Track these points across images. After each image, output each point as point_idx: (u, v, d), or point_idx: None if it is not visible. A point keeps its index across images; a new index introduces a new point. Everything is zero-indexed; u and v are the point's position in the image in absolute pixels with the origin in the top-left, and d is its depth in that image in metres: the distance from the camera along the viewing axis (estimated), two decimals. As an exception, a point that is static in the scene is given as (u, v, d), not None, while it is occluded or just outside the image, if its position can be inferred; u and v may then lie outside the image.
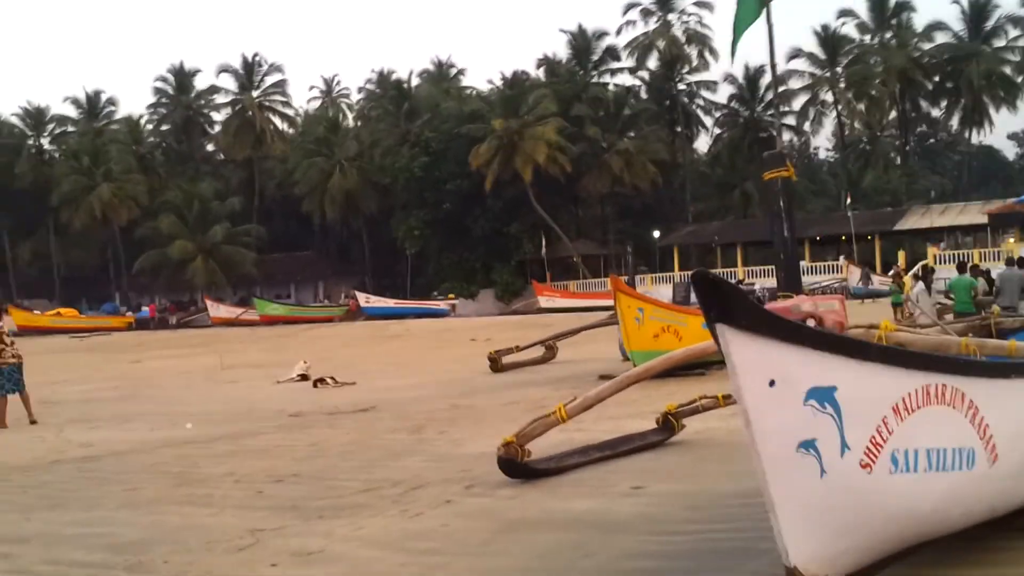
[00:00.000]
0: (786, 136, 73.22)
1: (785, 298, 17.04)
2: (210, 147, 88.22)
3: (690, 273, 21.20)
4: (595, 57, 76.75)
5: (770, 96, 73.42)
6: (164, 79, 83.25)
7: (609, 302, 25.64)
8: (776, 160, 20.88)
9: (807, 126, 79.57)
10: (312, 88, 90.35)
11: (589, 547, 6.90)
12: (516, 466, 9.22)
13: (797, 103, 76.54)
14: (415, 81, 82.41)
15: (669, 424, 10.81)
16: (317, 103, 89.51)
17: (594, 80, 76.32)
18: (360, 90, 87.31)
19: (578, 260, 69.07)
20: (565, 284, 65.39)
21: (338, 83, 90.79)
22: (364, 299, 62.43)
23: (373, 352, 32.34)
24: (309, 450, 12.15)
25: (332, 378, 20.79)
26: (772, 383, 4.05)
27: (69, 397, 19.51)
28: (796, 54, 75.15)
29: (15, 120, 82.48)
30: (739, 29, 20.48)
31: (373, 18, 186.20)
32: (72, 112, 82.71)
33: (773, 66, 23.31)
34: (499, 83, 75.24)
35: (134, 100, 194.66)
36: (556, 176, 66.51)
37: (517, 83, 73.06)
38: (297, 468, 10.76)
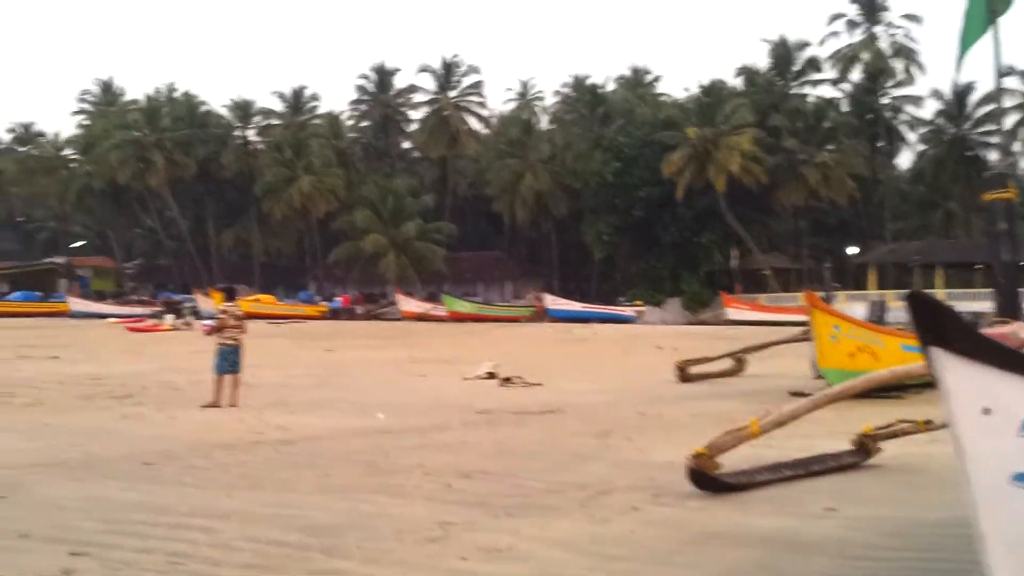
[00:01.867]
0: (996, 156, 70.09)
1: (1002, 324, 16.31)
2: (406, 144, 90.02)
3: (903, 293, 20.43)
4: (796, 67, 75.17)
5: (979, 114, 70.66)
6: (366, 77, 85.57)
7: (800, 317, 25.08)
8: (997, 180, 20.05)
9: (1018, 146, 76.01)
10: (508, 90, 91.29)
11: (778, 567, 6.76)
12: (706, 478, 9.12)
13: (1008, 122, 73.15)
14: (610, 86, 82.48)
15: (865, 446, 10.53)
16: (512, 105, 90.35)
17: (793, 91, 74.78)
18: (555, 93, 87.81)
19: (769, 273, 67.80)
20: (755, 297, 64.25)
21: (534, 86, 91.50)
22: (551, 301, 62.68)
23: (558, 354, 32.41)
24: (496, 447, 12.26)
25: (519, 378, 20.92)
26: (987, 411, 3.89)
27: (267, 381, 20.15)
28: (1008, 72, 71.92)
29: (224, 112, 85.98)
30: (966, 44, 19.80)
31: (571, 23, 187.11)
32: (277, 106, 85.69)
33: (999, 84, 22.43)
34: (695, 90, 74.47)
35: (336, 96, 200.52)
36: (750, 187, 65.54)
37: (714, 91, 72.17)
38: (484, 464, 10.88)
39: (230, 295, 18.44)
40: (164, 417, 15.36)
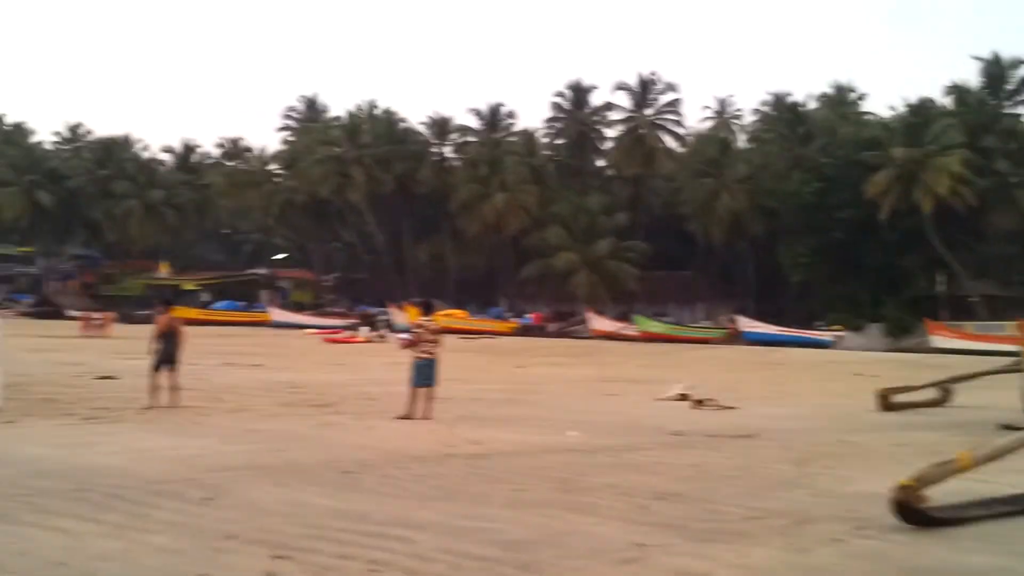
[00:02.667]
0: None
1: None
2: (600, 162, 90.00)
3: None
4: (1010, 86, 71.82)
5: None
6: (562, 94, 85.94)
7: (1012, 347, 23.85)
8: None
9: None
10: (705, 108, 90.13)
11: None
12: (912, 511, 8.70)
13: None
14: (811, 104, 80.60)
15: (1088, 485, 9.87)
16: (709, 123, 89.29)
17: (1007, 111, 71.47)
18: (753, 112, 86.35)
19: (977, 300, 64.88)
20: (961, 324, 61.56)
21: (731, 104, 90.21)
22: (745, 323, 61.62)
23: (752, 378, 31.77)
24: (691, 471, 12.02)
25: (712, 400, 20.56)
26: None
27: (459, 395, 20.33)
28: None
29: (422, 128, 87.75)
30: None
31: (771, 39, 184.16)
32: (474, 123, 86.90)
33: None
34: (901, 109, 72.00)
35: (532, 114, 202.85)
36: (957, 209, 62.93)
37: (921, 110, 69.67)
38: (679, 488, 10.67)
39: (427, 309, 18.68)
40: (362, 427, 15.67)
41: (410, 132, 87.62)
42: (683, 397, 21.53)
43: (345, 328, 58.29)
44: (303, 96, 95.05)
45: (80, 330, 49.60)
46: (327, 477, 10.94)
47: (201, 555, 7.46)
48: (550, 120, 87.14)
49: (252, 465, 11.62)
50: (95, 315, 52.96)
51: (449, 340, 21.23)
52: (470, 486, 10.65)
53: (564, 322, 70.71)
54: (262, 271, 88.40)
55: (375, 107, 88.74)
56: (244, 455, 12.40)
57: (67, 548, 7.58)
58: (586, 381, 27.70)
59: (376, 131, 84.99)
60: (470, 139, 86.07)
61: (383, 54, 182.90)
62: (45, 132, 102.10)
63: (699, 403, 20.49)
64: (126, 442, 13.39)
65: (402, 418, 16.65)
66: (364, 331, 53.58)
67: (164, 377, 17.63)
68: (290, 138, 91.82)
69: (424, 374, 16.89)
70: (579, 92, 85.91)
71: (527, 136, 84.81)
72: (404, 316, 53.57)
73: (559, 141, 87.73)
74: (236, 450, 12.83)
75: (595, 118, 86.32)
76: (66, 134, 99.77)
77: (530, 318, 71.57)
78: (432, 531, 8.31)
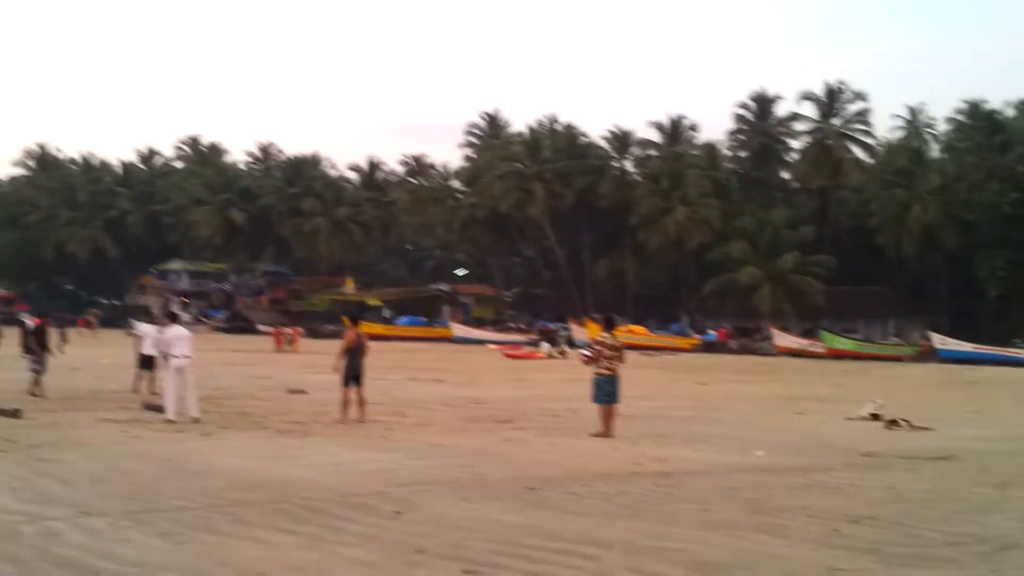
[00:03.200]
0: None
1: None
2: (785, 174, 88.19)
3: None
4: None
5: None
6: (745, 106, 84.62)
7: None
8: None
9: None
10: (895, 117, 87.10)
11: None
12: None
13: None
14: (1010, 112, 77.15)
15: None
16: (900, 133, 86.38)
17: None
18: (947, 120, 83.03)
19: None
20: None
21: (924, 113, 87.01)
22: (939, 341, 59.37)
23: (947, 397, 30.58)
24: (886, 494, 11.61)
25: (906, 420, 19.83)
26: None
27: (642, 412, 20.17)
28: None
29: (602, 143, 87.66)
30: None
31: (964, 47, 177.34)
32: (655, 136, 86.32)
33: None
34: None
35: (714, 126, 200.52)
36: None
37: None
38: (874, 511, 10.32)
39: (609, 325, 18.57)
40: (545, 443, 15.68)
41: (591, 146, 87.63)
42: (875, 417, 20.82)
43: (525, 344, 58.67)
44: (485, 113, 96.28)
45: (272, 345, 51.27)
46: (513, 493, 10.99)
47: (394, 568, 7.58)
48: (733, 132, 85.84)
49: (439, 480, 11.77)
50: (286, 330, 54.67)
51: (630, 356, 21.05)
52: (656, 505, 10.53)
53: (748, 338, 69.46)
54: (444, 287, 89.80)
55: (555, 122, 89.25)
56: (431, 470, 12.56)
57: (265, 559, 7.81)
58: (772, 399, 27.12)
59: (556, 146, 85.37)
60: (651, 152, 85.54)
61: (564, 69, 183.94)
62: (238, 152, 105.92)
63: (892, 423, 19.77)
64: (318, 455, 13.74)
65: (598, 436, 16.55)
66: (544, 347, 53.78)
67: (353, 392, 18.03)
68: (472, 154, 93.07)
69: (605, 390, 16.82)
70: (763, 103, 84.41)
71: (709, 148, 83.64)
72: (584, 331, 53.50)
73: (742, 153, 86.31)
74: (423, 465, 13.01)
75: (780, 129, 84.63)
76: (258, 154, 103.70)
77: (714, 334, 70.45)
78: (619, 550, 8.25)
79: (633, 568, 7.63)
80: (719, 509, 10.35)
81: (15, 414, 17.24)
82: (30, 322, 38.01)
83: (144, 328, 20.15)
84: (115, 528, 8.76)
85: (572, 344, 55.62)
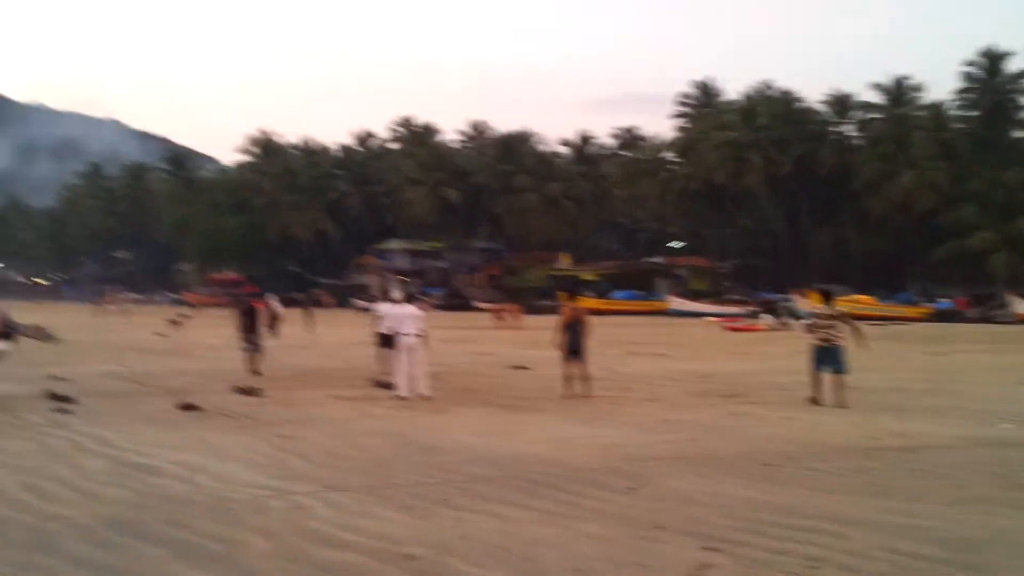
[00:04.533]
0: None
1: None
2: (1018, 133, 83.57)
3: None
4: None
5: None
6: (973, 63, 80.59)
7: None
8: None
9: None
10: None
11: None
12: None
13: None
14: None
15: None
16: None
17: None
18: None
19: None
20: None
21: None
22: None
23: None
24: None
25: None
26: None
27: (875, 384, 19.43)
28: None
29: (820, 107, 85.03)
30: None
31: None
32: (876, 98, 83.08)
33: None
34: None
35: (940, 86, 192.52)
36: None
37: None
38: None
39: (826, 296, 18.09)
40: (776, 417, 15.30)
41: (808, 112, 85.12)
42: None
43: (745, 316, 57.64)
44: (697, 82, 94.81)
45: (493, 321, 51.96)
46: (747, 468, 10.74)
47: (632, 544, 7.50)
48: (961, 91, 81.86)
49: (671, 455, 11.62)
50: (507, 306, 55.29)
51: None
52: (901, 481, 10.12)
53: (984, 306, 66.11)
54: (658, 260, 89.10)
55: (770, 88, 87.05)
56: (661, 445, 12.42)
57: (504, 533, 7.86)
58: (1014, 369, 25.70)
59: (772, 112, 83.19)
60: (873, 115, 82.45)
61: (778, 34, 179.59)
62: (451, 132, 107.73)
63: None
64: (545, 430, 13.79)
65: (810, 400, 16.52)
66: (765, 319, 52.72)
67: (574, 367, 18.04)
68: (684, 125, 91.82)
69: (825, 360, 16.60)
70: (993, 59, 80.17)
71: (936, 109, 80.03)
72: (806, 302, 52.08)
73: (971, 113, 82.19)
74: (653, 440, 12.88)
75: (1011, 86, 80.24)
76: (470, 132, 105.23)
77: (947, 302, 67.34)
78: (866, 528, 7.95)
79: (884, 547, 7.34)
80: (968, 485, 9.88)
81: (253, 392, 17.98)
82: (275, 303, 39.90)
83: (382, 307, 20.62)
84: (358, 503, 8.99)
85: (794, 315, 54.25)
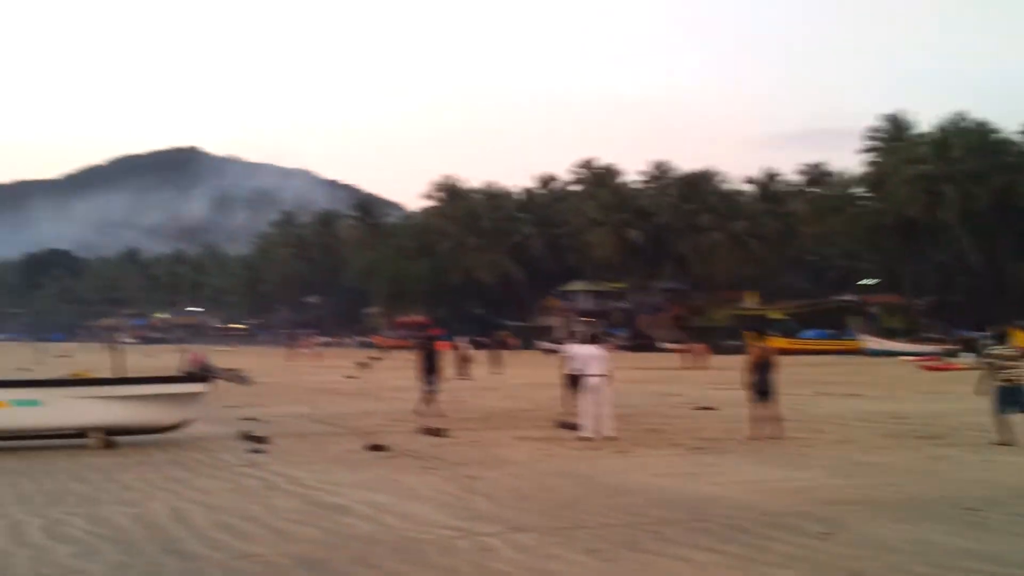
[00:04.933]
0: None
1: None
2: None
3: None
4: None
5: None
6: None
7: None
8: None
9: None
10: None
11: None
12: None
13: None
14: None
15: None
16: None
17: None
18: None
19: None
20: None
21: None
22: None
23: None
24: None
25: None
26: None
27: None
28: None
29: (1019, 138, 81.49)
30: None
31: None
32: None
33: None
34: None
35: None
36: None
37: None
38: None
39: (999, 338, 17.42)
40: (977, 460, 14.58)
41: (1006, 143, 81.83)
42: None
43: (943, 354, 55.45)
44: (886, 114, 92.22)
45: (680, 362, 51.37)
46: (949, 514, 10.24)
47: (829, 593, 7.18)
48: None
49: (866, 499, 11.16)
50: (694, 346, 54.58)
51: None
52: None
53: None
54: (849, 297, 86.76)
55: (964, 119, 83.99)
56: (856, 489, 11.95)
57: (694, 579, 7.64)
58: None
59: (967, 144, 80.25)
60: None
61: (970, 63, 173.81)
62: (632, 173, 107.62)
63: None
64: (734, 473, 13.46)
65: (1000, 444, 15.92)
66: (965, 357, 50.59)
67: (763, 408, 17.60)
68: (875, 159, 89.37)
69: (1012, 400, 16.12)
70: None
71: None
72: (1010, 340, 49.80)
73: None
74: (846, 483, 12.41)
75: None
76: (652, 172, 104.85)
77: None
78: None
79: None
80: None
81: (440, 433, 18.14)
82: (465, 346, 40.55)
83: (571, 348, 20.58)
84: (544, 544, 8.90)
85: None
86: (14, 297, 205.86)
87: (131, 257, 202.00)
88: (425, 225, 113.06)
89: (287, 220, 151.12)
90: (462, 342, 42.40)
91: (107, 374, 18.85)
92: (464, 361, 39.52)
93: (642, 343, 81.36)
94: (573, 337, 23.48)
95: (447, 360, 25.25)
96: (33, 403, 16.35)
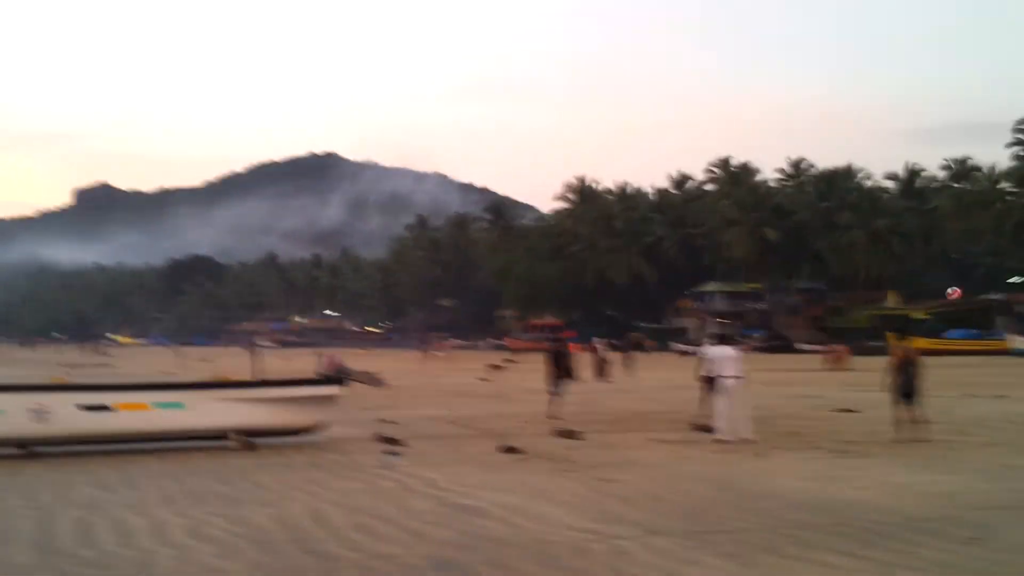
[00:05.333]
0: None
1: None
2: None
3: None
4: None
5: None
6: None
7: None
8: None
9: None
10: None
11: None
12: None
13: None
14: None
15: None
16: None
17: None
18: None
19: None
20: None
21: None
22: None
23: None
24: None
25: None
26: None
27: None
28: None
29: None
30: None
31: None
32: None
33: None
34: None
35: None
36: None
37: None
38: None
39: None
40: None
41: None
42: None
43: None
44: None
45: (823, 363, 50.33)
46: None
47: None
48: None
49: (1017, 504, 10.80)
50: (836, 347, 53.41)
51: None
52: None
53: None
54: (997, 296, 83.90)
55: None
56: (1006, 493, 11.54)
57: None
58: None
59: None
60: None
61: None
62: (769, 171, 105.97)
63: None
64: (876, 476, 13.07)
65: None
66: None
67: (907, 410, 17.08)
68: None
69: None
70: None
71: None
72: None
73: None
74: (996, 487, 11.97)
75: None
76: (789, 170, 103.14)
77: None
78: None
79: None
80: None
81: (574, 435, 18.05)
82: (602, 348, 40.41)
83: (709, 351, 20.29)
84: (681, 548, 8.75)
85: None
86: (159, 302, 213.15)
87: (270, 262, 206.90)
88: (558, 227, 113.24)
89: (421, 224, 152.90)
90: (600, 344, 42.16)
91: (247, 377, 19.22)
92: (603, 363, 39.32)
93: (779, 344, 80.00)
94: (708, 339, 22.96)
95: (583, 363, 25.03)
96: (176, 405, 16.78)
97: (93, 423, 16.20)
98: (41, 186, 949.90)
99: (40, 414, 15.86)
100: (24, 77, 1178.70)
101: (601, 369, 38.62)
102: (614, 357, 42.33)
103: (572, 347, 25.33)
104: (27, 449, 15.97)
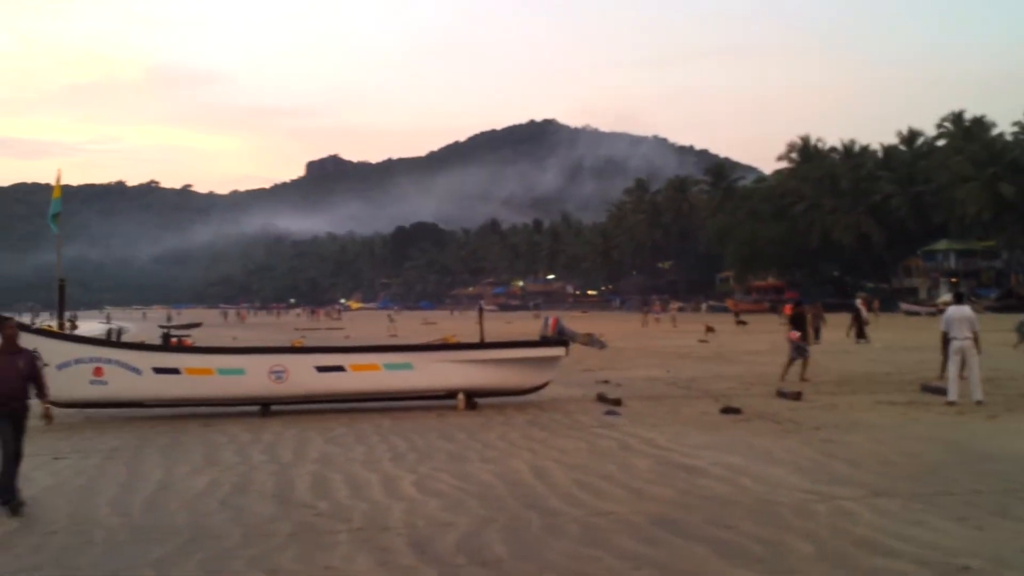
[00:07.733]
0: None
1: None
2: None
3: None
4: None
5: None
6: None
7: None
8: None
9: None
10: None
11: None
12: None
13: None
14: None
15: None
16: None
17: None
18: None
19: None
20: None
21: None
22: None
23: None
24: None
25: None
26: None
27: None
28: None
29: None
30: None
31: None
32: None
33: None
34: None
35: None
36: None
37: None
38: None
39: None
40: None
41: None
42: None
43: None
44: None
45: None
46: None
47: None
48: None
49: None
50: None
51: None
52: None
53: None
54: None
55: None
56: None
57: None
58: None
59: None
60: None
61: None
62: (1005, 124, 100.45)
63: None
64: None
65: None
66: None
67: None
68: None
69: None
70: None
71: None
72: None
73: None
74: None
75: None
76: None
77: None
78: None
79: None
80: None
81: (797, 397, 17.77)
82: (859, 305, 39.04)
83: (947, 311, 19.42)
84: (906, 510, 8.57)
85: None
86: (386, 268, 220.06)
87: (491, 228, 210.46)
88: (780, 187, 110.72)
89: (640, 187, 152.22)
90: (861, 302, 40.48)
91: (472, 340, 19.68)
92: (862, 322, 37.83)
93: (1015, 303, 76.21)
94: (945, 298, 22.00)
95: (835, 324, 24.27)
96: (405, 366, 17.40)
97: (328, 383, 17.04)
98: (275, 160, 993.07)
99: (280, 375, 16.80)
100: (265, 57, 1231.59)
101: (860, 330, 37.27)
102: (834, 318, 41.05)
103: (803, 309, 24.63)
104: (267, 407, 16.96)
